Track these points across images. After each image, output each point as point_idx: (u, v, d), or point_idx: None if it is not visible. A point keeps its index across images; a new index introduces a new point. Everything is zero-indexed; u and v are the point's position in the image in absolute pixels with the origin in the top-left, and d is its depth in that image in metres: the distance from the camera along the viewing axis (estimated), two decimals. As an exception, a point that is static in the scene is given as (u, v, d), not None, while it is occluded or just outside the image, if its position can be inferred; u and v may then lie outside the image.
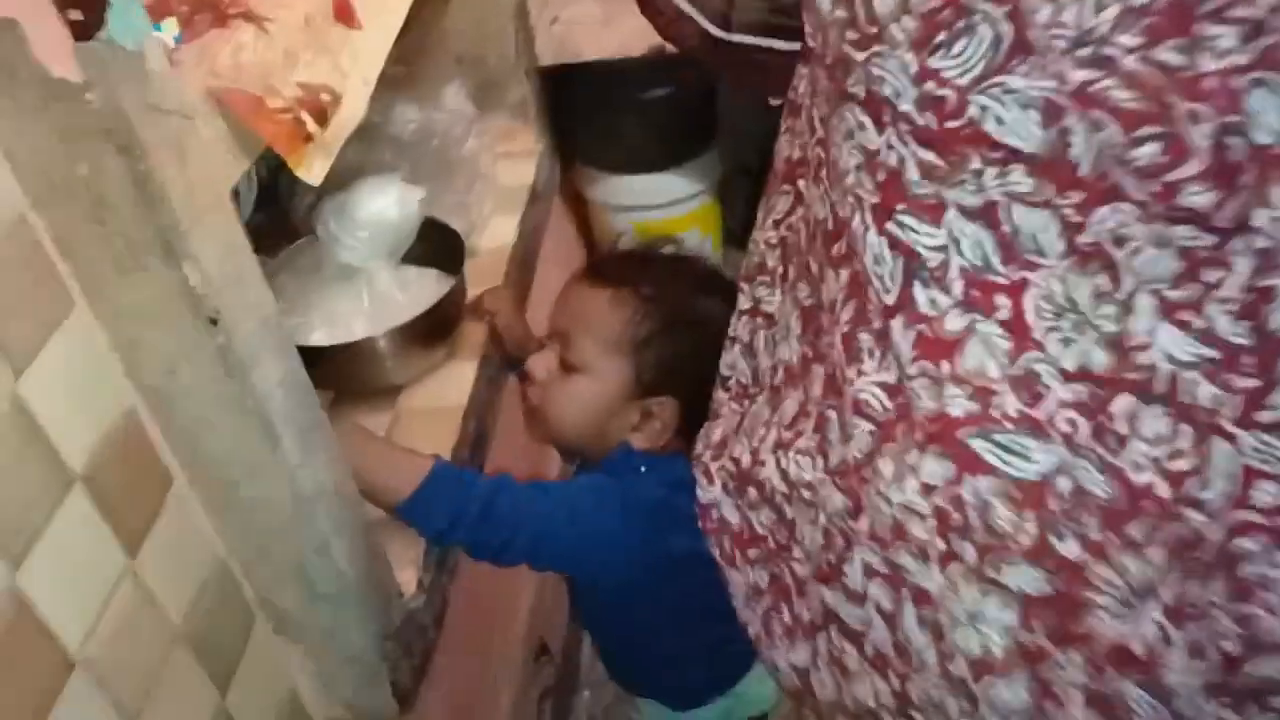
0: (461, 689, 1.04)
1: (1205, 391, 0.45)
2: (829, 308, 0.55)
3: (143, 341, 0.57)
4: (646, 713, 1.09)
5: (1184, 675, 0.47)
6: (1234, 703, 0.48)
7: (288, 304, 0.97)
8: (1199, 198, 0.41)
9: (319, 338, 0.95)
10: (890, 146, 0.48)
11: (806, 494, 0.58)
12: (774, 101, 0.64)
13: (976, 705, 0.52)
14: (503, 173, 1.26)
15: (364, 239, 0.96)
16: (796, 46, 0.58)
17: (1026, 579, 0.49)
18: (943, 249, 0.48)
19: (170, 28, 0.56)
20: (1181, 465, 0.46)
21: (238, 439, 0.61)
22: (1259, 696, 0.47)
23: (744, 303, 0.67)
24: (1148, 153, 0.41)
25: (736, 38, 0.71)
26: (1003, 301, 0.48)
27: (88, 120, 0.49)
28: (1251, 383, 0.44)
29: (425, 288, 1.00)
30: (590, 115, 1.61)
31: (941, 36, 0.44)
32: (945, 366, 0.50)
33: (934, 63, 0.45)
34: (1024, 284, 0.47)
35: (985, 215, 0.47)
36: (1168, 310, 0.44)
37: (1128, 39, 0.40)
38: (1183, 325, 0.44)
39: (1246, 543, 0.45)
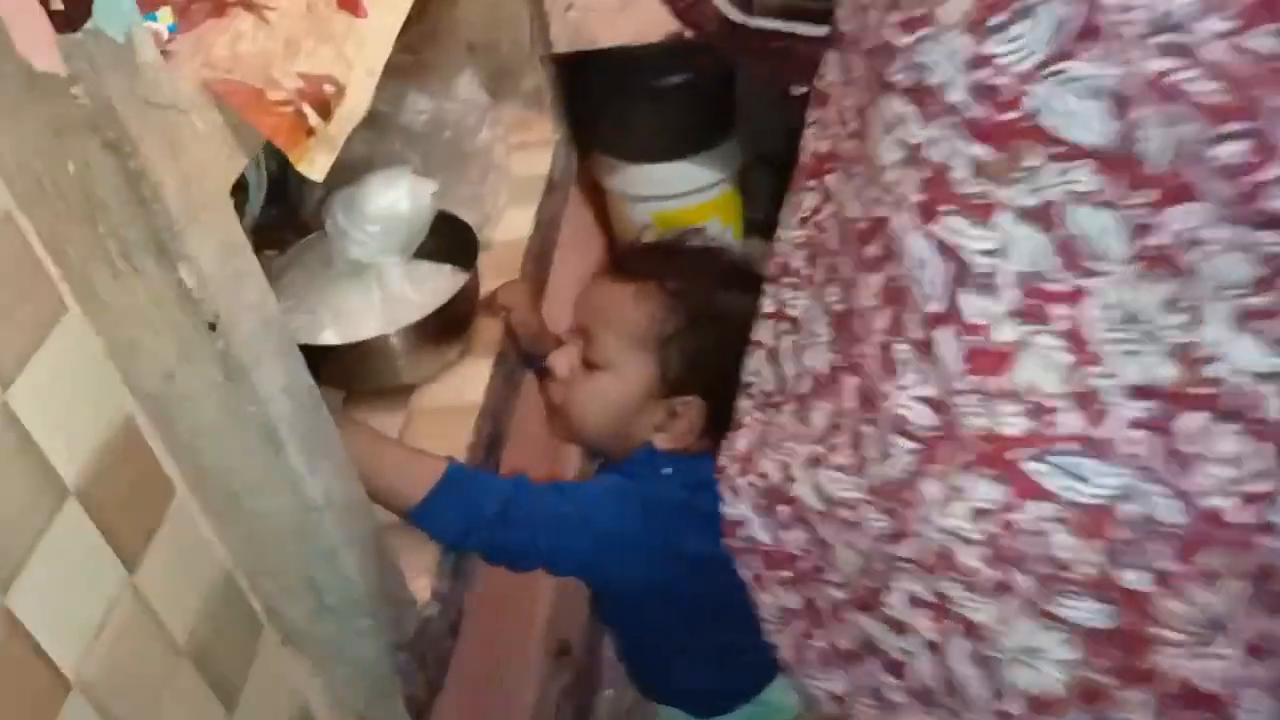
0: (478, 697, 1.02)
1: None
2: (861, 314, 0.52)
3: (139, 346, 0.55)
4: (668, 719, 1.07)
5: (1258, 717, 0.44)
6: None
7: (296, 301, 0.95)
8: None
9: (329, 336, 0.93)
10: (936, 140, 0.45)
11: (845, 513, 0.55)
12: (796, 91, 0.61)
13: None
14: (517, 163, 1.24)
15: (375, 234, 0.94)
16: (822, 31, 0.55)
17: (1088, 612, 0.46)
18: (993, 253, 0.45)
19: (165, 17, 0.53)
20: (1259, 488, 0.43)
21: (240, 446, 0.59)
22: None
23: (768, 305, 0.64)
24: (1231, 151, 0.38)
25: (757, 22, 0.68)
26: (1060, 311, 0.44)
27: (75, 116, 0.46)
28: None
29: (438, 283, 0.98)
30: (607, 103, 1.59)
31: (998, 18, 0.41)
32: (996, 381, 0.47)
33: (988, 47, 0.41)
34: (1084, 292, 0.44)
35: (1042, 216, 0.43)
36: (1245, 319, 0.41)
37: (1214, 23, 0.37)
38: (1262, 335, 0.41)
39: None
